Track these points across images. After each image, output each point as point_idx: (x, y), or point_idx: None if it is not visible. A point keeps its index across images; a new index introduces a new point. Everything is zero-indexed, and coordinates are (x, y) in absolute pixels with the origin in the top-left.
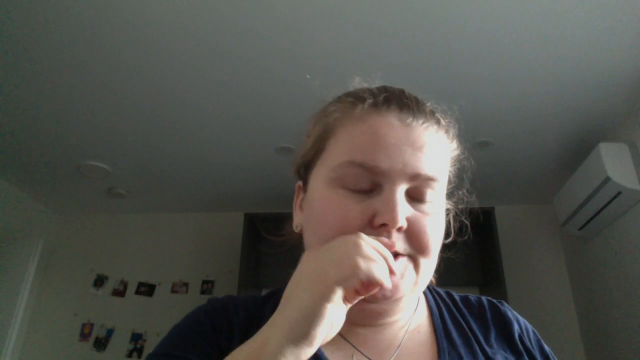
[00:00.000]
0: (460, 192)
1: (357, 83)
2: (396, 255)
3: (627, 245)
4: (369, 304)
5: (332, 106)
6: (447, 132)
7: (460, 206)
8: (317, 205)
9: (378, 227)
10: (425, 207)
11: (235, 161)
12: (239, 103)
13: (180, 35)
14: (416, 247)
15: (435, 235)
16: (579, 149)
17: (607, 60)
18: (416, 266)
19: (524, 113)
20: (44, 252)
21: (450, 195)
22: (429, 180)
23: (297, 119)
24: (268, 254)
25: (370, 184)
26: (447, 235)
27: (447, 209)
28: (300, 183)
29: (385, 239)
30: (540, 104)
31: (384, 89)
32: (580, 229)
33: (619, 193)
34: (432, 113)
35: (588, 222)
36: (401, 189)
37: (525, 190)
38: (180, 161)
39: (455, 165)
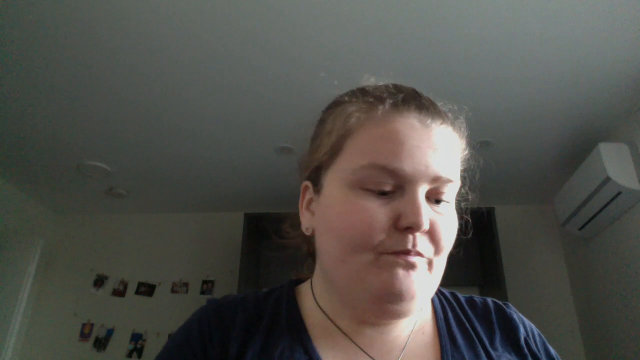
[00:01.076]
0: (463, 190)
1: (367, 80)
2: (417, 254)
3: (627, 245)
4: (390, 305)
5: (349, 106)
6: (459, 132)
7: (463, 204)
8: (337, 208)
9: (403, 230)
10: (440, 208)
11: (235, 161)
12: (239, 103)
13: (181, 35)
14: (435, 248)
15: (451, 236)
16: (579, 149)
17: (606, 60)
18: (431, 267)
19: (524, 113)
20: (44, 252)
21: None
22: (447, 182)
23: (297, 119)
24: (269, 255)
25: (391, 186)
26: None
27: None
28: (307, 183)
29: (408, 247)
30: (541, 104)
31: (398, 88)
32: (580, 229)
33: (619, 193)
34: (446, 114)
35: (588, 222)
36: (423, 191)
37: (525, 190)
38: (180, 161)
39: (463, 164)
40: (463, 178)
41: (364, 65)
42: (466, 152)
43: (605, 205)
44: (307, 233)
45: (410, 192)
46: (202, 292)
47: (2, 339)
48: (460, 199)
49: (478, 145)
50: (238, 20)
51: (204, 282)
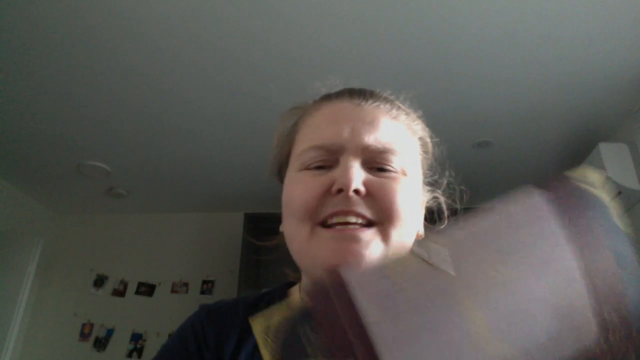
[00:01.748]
0: (444, 180)
1: (318, 88)
2: (362, 226)
3: None
4: None
5: (293, 110)
6: (406, 113)
7: (449, 191)
8: (285, 192)
9: (335, 193)
10: (387, 174)
11: (235, 161)
12: (239, 103)
13: (181, 35)
14: (382, 210)
15: (402, 200)
16: (579, 149)
17: (606, 60)
18: (385, 237)
19: (524, 113)
20: (44, 252)
21: (435, 183)
22: (385, 151)
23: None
24: (268, 259)
25: (329, 162)
26: (439, 220)
27: (435, 197)
28: None
29: (343, 207)
30: (540, 104)
31: (344, 89)
32: None
33: (619, 193)
34: (386, 97)
35: None
36: (355, 159)
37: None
38: (180, 161)
39: (427, 148)
40: (441, 165)
41: (364, 65)
42: (424, 133)
43: None
44: (281, 229)
45: (342, 160)
46: (202, 292)
47: (2, 339)
48: (446, 188)
49: (478, 145)
50: (238, 20)
51: (204, 282)
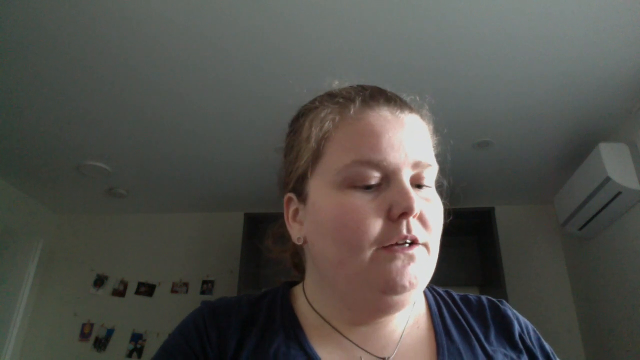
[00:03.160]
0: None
1: (330, 84)
2: (413, 243)
3: (627, 245)
4: (390, 297)
5: (321, 110)
6: (426, 119)
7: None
8: (329, 211)
9: (397, 218)
10: (424, 193)
11: (235, 161)
12: (239, 103)
13: (180, 35)
14: (428, 232)
15: (440, 218)
16: (579, 149)
17: (607, 60)
18: (428, 250)
19: (524, 113)
20: (44, 252)
21: None
22: (427, 166)
23: None
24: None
25: (377, 179)
26: None
27: None
28: (290, 195)
29: (407, 233)
30: (540, 104)
31: (362, 87)
32: (581, 229)
33: (619, 193)
34: (410, 104)
35: (588, 222)
36: (407, 178)
37: (525, 190)
38: (180, 161)
39: (435, 150)
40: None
41: (364, 65)
42: (435, 138)
43: (605, 205)
44: (299, 243)
45: (396, 180)
46: (202, 292)
47: (2, 339)
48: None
49: (478, 145)
50: (238, 20)
51: (204, 282)
